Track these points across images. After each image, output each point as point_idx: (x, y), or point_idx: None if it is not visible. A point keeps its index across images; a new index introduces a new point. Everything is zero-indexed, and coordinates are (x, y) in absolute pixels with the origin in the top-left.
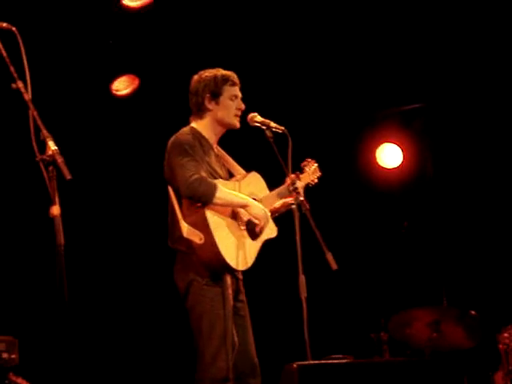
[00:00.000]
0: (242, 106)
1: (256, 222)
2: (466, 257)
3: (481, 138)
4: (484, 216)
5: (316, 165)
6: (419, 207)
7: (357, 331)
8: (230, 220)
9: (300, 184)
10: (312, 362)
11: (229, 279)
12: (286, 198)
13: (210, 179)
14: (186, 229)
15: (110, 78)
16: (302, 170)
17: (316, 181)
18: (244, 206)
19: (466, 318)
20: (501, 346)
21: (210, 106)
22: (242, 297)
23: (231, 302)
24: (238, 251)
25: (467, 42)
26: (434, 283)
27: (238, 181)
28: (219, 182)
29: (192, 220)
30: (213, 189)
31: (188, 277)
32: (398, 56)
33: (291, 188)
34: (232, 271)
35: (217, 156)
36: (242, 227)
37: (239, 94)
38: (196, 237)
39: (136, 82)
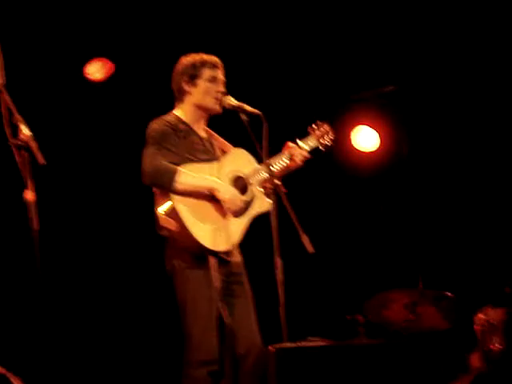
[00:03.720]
0: (222, 89)
1: (224, 205)
2: (442, 239)
3: (457, 119)
4: (460, 199)
5: (326, 126)
6: (395, 190)
7: (333, 314)
8: (205, 202)
9: (300, 152)
10: (289, 344)
11: (212, 260)
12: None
13: (169, 165)
14: (160, 218)
15: (83, 62)
16: (308, 134)
17: (329, 142)
18: (211, 190)
19: (442, 299)
20: (476, 327)
21: (188, 87)
22: (239, 278)
23: (217, 284)
24: (217, 232)
25: (440, 23)
26: (410, 265)
27: (218, 161)
28: (185, 167)
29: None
30: (171, 174)
31: (172, 261)
32: (371, 39)
33: (268, 173)
34: (213, 253)
35: (202, 139)
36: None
37: (220, 77)
38: (170, 224)
39: (110, 67)
